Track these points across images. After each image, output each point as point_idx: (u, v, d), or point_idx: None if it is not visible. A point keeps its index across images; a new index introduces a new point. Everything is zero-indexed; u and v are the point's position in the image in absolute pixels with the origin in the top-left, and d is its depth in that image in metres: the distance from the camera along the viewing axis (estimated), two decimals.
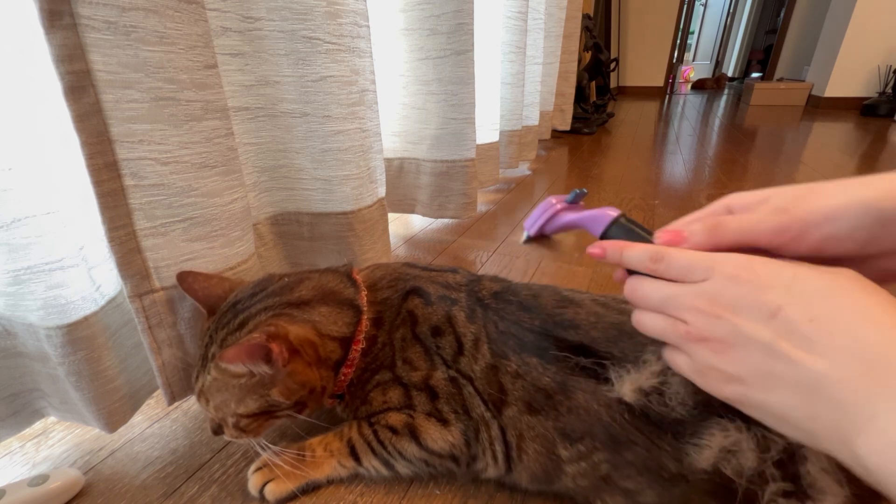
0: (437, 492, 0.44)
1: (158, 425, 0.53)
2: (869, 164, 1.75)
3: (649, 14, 4.46)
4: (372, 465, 0.44)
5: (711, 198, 1.30)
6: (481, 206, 1.29)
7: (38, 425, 0.53)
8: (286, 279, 0.44)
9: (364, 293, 0.45)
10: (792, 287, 0.23)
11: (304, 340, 0.39)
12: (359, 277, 0.46)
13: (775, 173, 1.61)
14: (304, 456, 0.44)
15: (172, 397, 0.49)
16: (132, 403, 0.50)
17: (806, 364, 0.21)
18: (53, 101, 0.38)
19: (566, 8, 1.86)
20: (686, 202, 1.30)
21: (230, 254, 0.49)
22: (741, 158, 1.86)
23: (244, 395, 0.39)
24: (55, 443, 0.51)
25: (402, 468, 0.44)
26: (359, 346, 0.43)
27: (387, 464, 0.43)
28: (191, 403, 0.56)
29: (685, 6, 4.59)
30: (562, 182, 1.53)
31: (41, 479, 0.43)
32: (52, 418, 0.53)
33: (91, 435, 0.52)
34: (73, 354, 0.42)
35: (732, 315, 0.24)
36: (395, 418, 0.43)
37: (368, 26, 0.65)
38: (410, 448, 0.42)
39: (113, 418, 0.47)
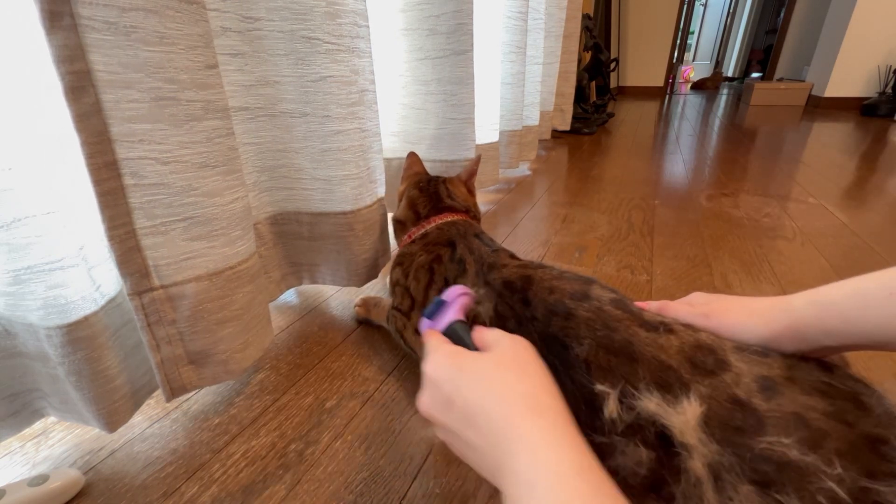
0: (438, 491, 0.45)
1: (158, 425, 0.53)
2: (869, 164, 1.75)
3: (649, 14, 4.46)
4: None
5: (711, 198, 1.29)
6: (481, 207, 1.29)
7: (38, 425, 0.53)
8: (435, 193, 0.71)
9: (434, 220, 0.66)
10: (457, 380, 0.29)
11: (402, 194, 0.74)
12: (439, 218, 0.67)
13: (775, 173, 1.61)
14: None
15: (171, 394, 0.49)
16: (132, 403, 0.50)
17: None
18: (53, 101, 0.38)
19: (566, 8, 1.86)
20: (686, 202, 1.30)
21: (231, 253, 0.49)
22: (741, 158, 1.86)
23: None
24: (55, 443, 0.51)
25: (403, 345, 0.62)
26: (409, 238, 0.67)
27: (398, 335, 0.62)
28: (191, 403, 0.57)
29: (685, 6, 4.59)
30: (562, 182, 1.53)
31: (41, 479, 0.43)
32: (52, 418, 0.53)
33: (91, 435, 0.52)
34: (73, 354, 0.42)
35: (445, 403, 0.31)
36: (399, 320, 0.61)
37: (368, 26, 0.65)
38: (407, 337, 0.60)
39: (113, 418, 0.47)
